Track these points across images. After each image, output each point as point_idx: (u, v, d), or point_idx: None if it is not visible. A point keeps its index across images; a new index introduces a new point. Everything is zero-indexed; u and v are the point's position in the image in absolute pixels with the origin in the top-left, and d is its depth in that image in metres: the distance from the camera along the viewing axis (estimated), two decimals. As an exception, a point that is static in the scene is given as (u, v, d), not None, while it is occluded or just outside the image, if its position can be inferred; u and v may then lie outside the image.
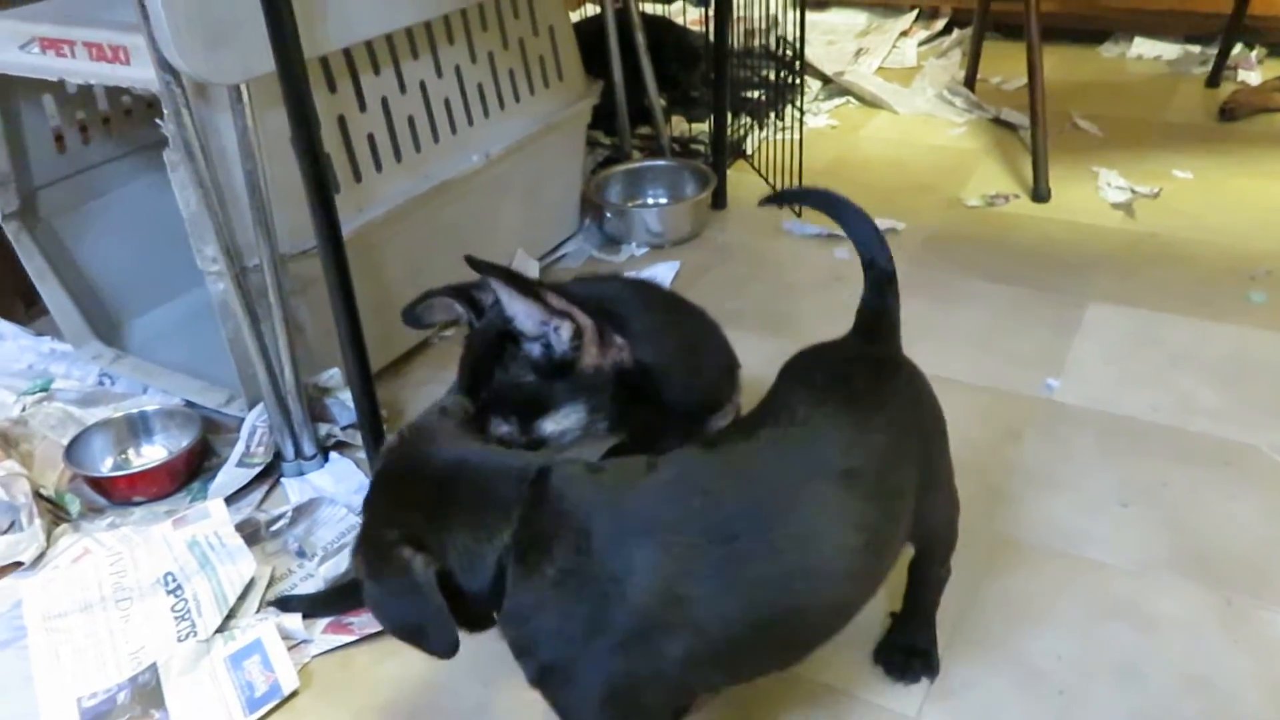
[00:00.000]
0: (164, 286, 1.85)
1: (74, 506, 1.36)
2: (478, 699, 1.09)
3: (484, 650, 1.12)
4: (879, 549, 0.86)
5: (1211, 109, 2.47)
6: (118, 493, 1.39)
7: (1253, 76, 2.61)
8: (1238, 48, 2.64)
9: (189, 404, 1.55)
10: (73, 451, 1.41)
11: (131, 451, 1.48)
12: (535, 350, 0.98)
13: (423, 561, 0.75)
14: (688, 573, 0.76)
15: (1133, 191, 2.09)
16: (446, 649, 0.78)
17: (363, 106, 1.48)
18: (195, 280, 1.84)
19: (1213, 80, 2.62)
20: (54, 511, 1.36)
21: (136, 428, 1.49)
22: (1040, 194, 2.08)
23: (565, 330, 0.97)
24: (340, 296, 1.24)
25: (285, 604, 1.20)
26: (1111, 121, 2.43)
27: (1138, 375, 1.53)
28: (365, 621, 1.17)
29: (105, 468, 1.44)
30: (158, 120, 1.26)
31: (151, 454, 1.47)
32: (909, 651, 1.08)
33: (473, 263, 0.94)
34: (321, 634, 1.17)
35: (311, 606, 1.20)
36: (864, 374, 0.93)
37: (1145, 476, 1.33)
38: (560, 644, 0.78)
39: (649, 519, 0.78)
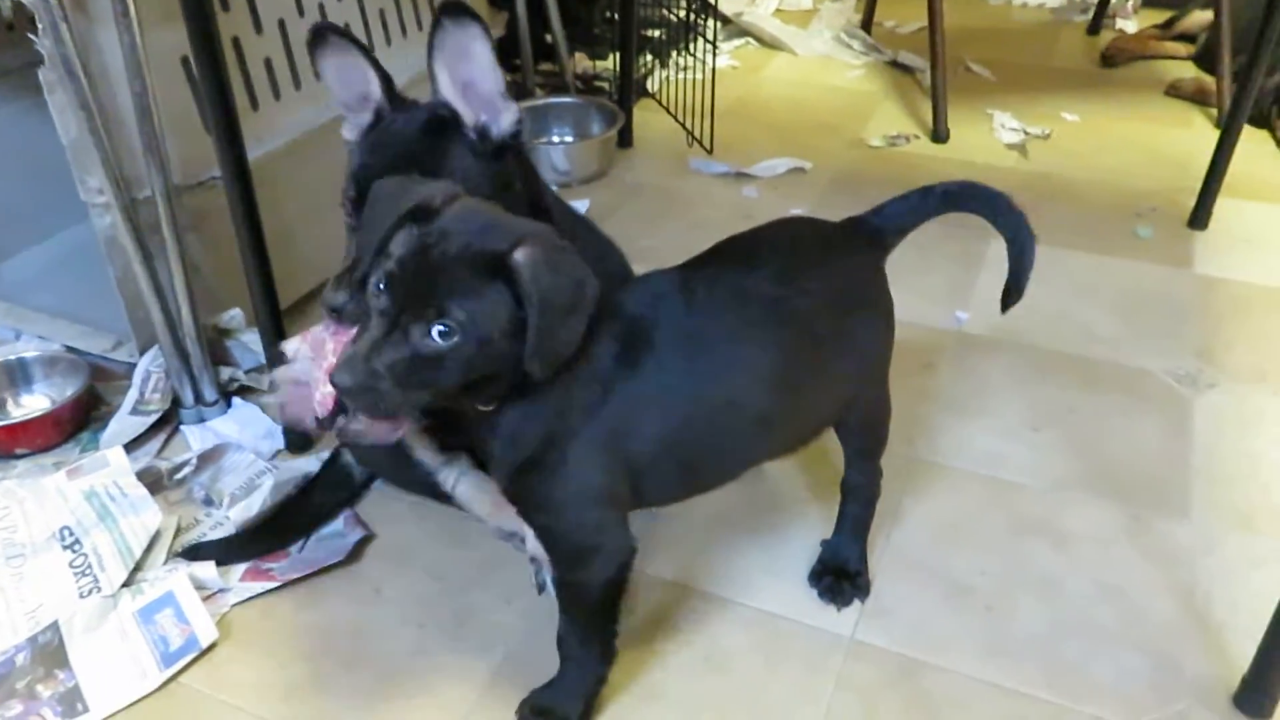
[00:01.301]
0: (31, 227, 1.71)
1: (-52, 461, 1.26)
2: (412, 642, 1.06)
3: (413, 593, 1.11)
4: (801, 381, 0.93)
5: (1093, 55, 2.56)
6: (-2, 445, 1.28)
7: (1130, 25, 2.72)
8: (1115, -3, 2.74)
9: (71, 350, 1.44)
10: (-57, 402, 1.30)
11: (10, 401, 1.37)
12: (472, 136, 0.94)
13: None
14: (667, 370, 0.86)
15: (1025, 133, 2.15)
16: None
17: (259, 28, 1.39)
18: (65, 220, 1.72)
19: (1093, 28, 2.71)
20: (-75, 467, 1.25)
21: (15, 375, 1.38)
22: (940, 135, 2.12)
23: (510, 115, 0.93)
24: (247, 229, 1.16)
25: (195, 553, 1.13)
26: (1002, 66, 2.50)
27: (1040, 307, 1.58)
28: (286, 566, 1.12)
29: (-19, 419, 1.33)
30: (30, 35, 1.15)
31: (32, 404, 1.37)
32: (840, 574, 1.10)
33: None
34: (239, 581, 1.11)
35: (225, 552, 1.14)
36: (827, 244, 0.99)
37: (1053, 402, 1.38)
38: (588, 413, 0.84)
39: (655, 328, 0.87)
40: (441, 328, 0.75)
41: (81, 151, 1.20)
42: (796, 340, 0.91)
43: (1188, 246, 1.74)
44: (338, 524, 1.19)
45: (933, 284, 1.64)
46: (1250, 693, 0.96)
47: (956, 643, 1.04)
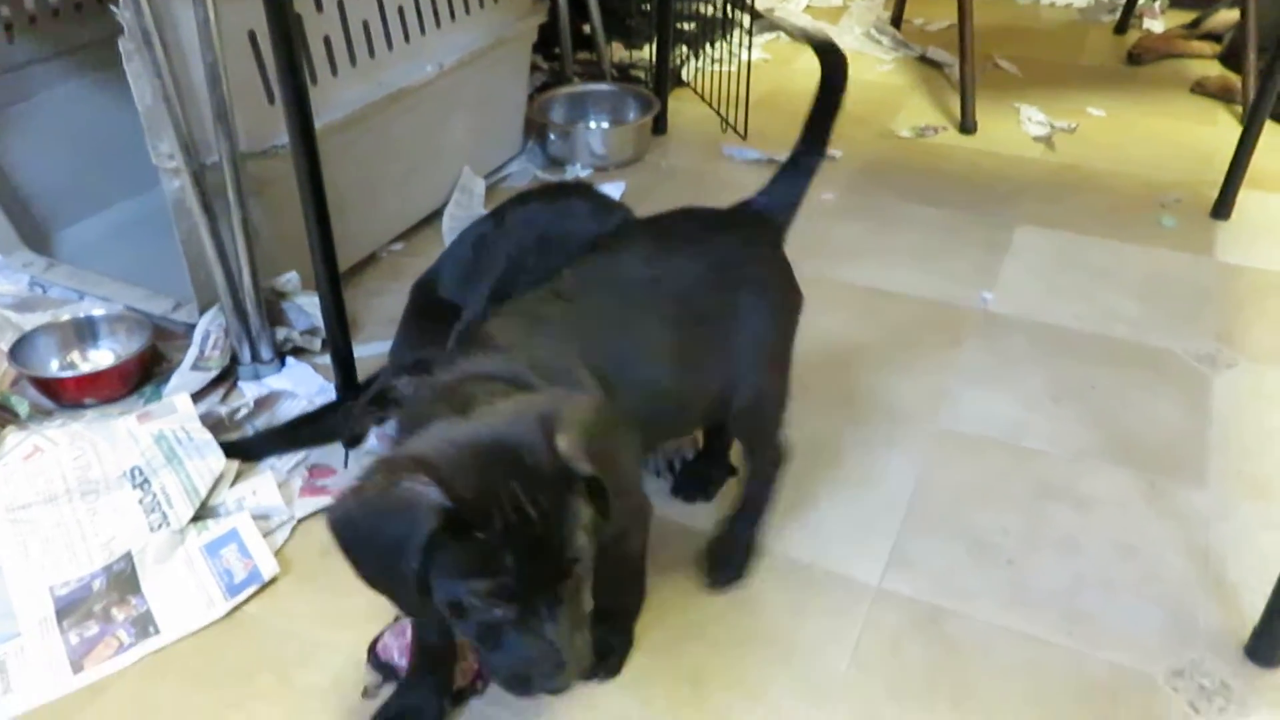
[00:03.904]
0: (93, 197, 1.79)
1: (22, 408, 1.32)
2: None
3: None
4: (689, 355, 0.97)
5: (1120, 53, 2.60)
6: (67, 395, 1.35)
7: (1157, 25, 2.76)
8: (1143, -2, 2.79)
9: (132, 310, 1.51)
10: (17, 353, 1.37)
11: (77, 355, 1.44)
12: None
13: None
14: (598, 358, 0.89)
15: (1052, 126, 2.20)
16: None
17: (319, 6, 1.45)
18: (125, 191, 1.80)
19: (1120, 27, 2.75)
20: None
21: (83, 332, 1.45)
22: (967, 126, 2.17)
23: None
24: (311, 193, 1.22)
25: (231, 448, 1.24)
26: (1029, 62, 2.54)
27: (1064, 289, 1.63)
28: (338, 481, 1.21)
29: (53, 370, 1.40)
30: (112, 6, 1.22)
31: (98, 358, 1.44)
32: (730, 546, 1.12)
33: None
34: (298, 498, 1.21)
35: (255, 447, 1.26)
36: (706, 226, 1.04)
37: (1075, 377, 1.43)
38: None
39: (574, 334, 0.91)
40: None
41: (155, 118, 1.27)
42: (676, 315, 0.95)
43: (1210, 235, 1.78)
44: (372, 442, 1.27)
45: (960, 268, 1.68)
46: (1260, 642, 1.01)
47: (979, 593, 1.09)
